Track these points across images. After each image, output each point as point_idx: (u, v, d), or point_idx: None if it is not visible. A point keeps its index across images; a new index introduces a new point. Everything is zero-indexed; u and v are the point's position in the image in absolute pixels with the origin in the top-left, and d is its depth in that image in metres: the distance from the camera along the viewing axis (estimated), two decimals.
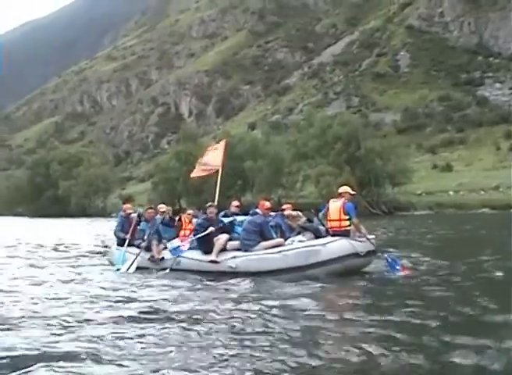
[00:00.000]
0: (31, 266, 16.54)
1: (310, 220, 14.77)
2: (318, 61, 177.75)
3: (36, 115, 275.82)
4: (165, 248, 15.67)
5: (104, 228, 40.77)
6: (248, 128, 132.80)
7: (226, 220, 14.98)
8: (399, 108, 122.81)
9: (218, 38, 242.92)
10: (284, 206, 15.42)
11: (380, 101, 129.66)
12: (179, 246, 14.71)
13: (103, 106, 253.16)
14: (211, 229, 14.12)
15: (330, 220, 13.82)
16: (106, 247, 19.93)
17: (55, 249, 22.92)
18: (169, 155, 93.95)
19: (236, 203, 15.93)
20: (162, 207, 17.37)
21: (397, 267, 13.10)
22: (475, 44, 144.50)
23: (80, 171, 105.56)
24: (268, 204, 14.66)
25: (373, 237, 14.08)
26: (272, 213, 15.03)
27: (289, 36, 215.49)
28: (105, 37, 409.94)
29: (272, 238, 13.77)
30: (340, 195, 14.15)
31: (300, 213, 15.17)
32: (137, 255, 15.52)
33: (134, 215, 17.15)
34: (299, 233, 14.22)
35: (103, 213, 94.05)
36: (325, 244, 13.05)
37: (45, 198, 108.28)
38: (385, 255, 13.56)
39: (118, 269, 15.49)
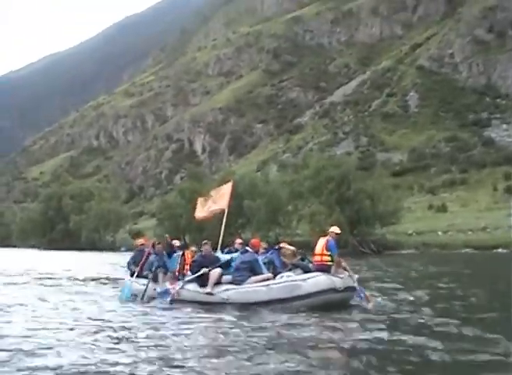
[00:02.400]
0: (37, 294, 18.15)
1: (303, 259, 16.38)
2: (330, 100, 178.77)
3: (52, 148, 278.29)
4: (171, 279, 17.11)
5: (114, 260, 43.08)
6: (258, 167, 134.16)
7: (223, 257, 16.62)
8: (406, 149, 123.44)
9: (234, 76, 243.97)
10: (281, 244, 16.97)
11: (388, 141, 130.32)
12: (167, 290, 16.08)
13: (119, 141, 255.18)
14: (203, 270, 15.50)
15: (315, 255, 15.25)
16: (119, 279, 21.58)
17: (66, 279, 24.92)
18: (175, 193, 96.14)
19: (239, 241, 17.38)
20: (177, 242, 18.97)
21: (362, 296, 14.57)
22: (483, 85, 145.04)
23: (91, 205, 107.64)
24: (258, 242, 16.54)
25: (356, 275, 15.36)
26: (263, 250, 16.68)
27: (302, 75, 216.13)
28: (124, 72, 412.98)
29: (262, 273, 15.27)
30: (328, 233, 15.58)
31: (294, 249, 16.68)
32: (146, 285, 17.02)
33: (146, 248, 18.69)
34: (290, 270, 15.58)
35: (112, 247, 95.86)
36: (306, 279, 14.46)
37: (57, 232, 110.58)
38: (358, 288, 14.70)
39: (125, 298, 17.11)
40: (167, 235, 19.61)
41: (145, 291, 16.95)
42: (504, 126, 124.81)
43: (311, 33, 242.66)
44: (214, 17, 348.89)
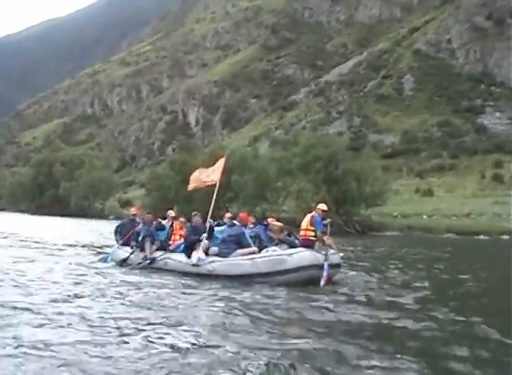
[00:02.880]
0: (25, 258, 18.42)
1: (289, 234, 16.73)
2: (325, 79, 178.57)
3: (46, 114, 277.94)
4: (157, 249, 17.66)
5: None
6: (250, 142, 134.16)
7: (217, 229, 17.02)
8: (399, 131, 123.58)
9: (231, 50, 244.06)
10: (269, 220, 17.42)
11: (381, 123, 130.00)
12: (154, 258, 16.93)
13: (113, 110, 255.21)
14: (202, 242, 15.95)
15: (300, 230, 15.64)
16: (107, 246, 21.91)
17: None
18: (165, 164, 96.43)
19: (228, 214, 17.58)
20: (171, 212, 19.29)
21: (324, 273, 14.42)
22: (479, 72, 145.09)
23: (82, 173, 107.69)
24: (246, 216, 16.95)
25: (337, 253, 15.85)
26: (252, 225, 17.02)
27: (299, 52, 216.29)
28: (124, 41, 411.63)
29: (249, 246, 15.52)
30: (315, 210, 15.97)
31: (281, 225, 17.06)
32: (130, 253, 17.87)
33: (138, 218, 19.77)
34: (276, 245, 15.96)
35: (101, 215, 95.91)
36: (290, 254, 14.66)
37: (46, 197, 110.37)
38: (324, 264, 14.60)
39: (103, 262, 18.03)
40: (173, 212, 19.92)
41: (127, 258, 17.71)
42: (497, 114, 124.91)
43: (310, 11, 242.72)
44: None
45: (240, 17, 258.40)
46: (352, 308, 11.18)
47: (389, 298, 12.51)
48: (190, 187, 20.31)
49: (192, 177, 20.30)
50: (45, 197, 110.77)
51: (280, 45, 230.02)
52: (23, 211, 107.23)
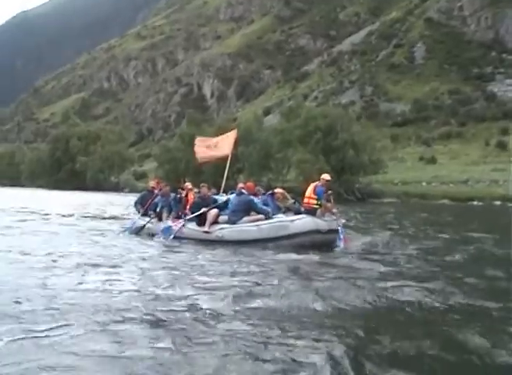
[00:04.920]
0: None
1: (295, 202, 17.51)
2: (338, 49, 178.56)
3: (64, 90, 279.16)
4: (174, 218, 18.16)
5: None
6: (264, 113, 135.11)
7: (221, 198, 17.81)
8: (410, 100, 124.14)
9: (245, 22, 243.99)
10: (276, 189, 18.28)
11: (392, 92, 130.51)
12: (170, 226, 17.17)
13: (129, 84, 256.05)
14: (203, 210, 16.69)
15: (304, 198, 16.25)
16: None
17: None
18: (175, 137, 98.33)
19: (241, 185, 17.59)
20: (189, 185, 19.50)
21: (341, 237, 15.46)
22: (491, 39, 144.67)
23: (97, 147, 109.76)
24: (253, 185, 18.25)
25: (339, 219, 16.29)
26: (260, 196, 17.91)
27: (312, 22, 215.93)
28: (139, 14, 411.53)
29: (262, 211, 16.26)
30: (319, 179, 16.48)
31: (288, 195, 17.93)
32: (147, 222, 18.66)
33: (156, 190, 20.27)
34: (284, 213, 16.94)
35: (116, 188, 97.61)
36: (292, 220, 15.49)
37: (63, 172, 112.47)
38: (339, 231, 15.62)
39: (125, 231, 18.81)
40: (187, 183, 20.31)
41: (142, 227, 18.59)
42: (508, 81, 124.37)
43: None
44: None
45: None
46: (348, 270, 11.68)
47: (377, 257, 13.38)
48: (201, 159, 21.23)
49: (198, 149, 21.00)
50: (62, 172, 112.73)
51: (293, 16, 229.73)
52: (41, 186, 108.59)
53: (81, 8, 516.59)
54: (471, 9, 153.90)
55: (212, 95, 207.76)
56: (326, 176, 16.54)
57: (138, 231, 18.65)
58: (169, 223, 17.81)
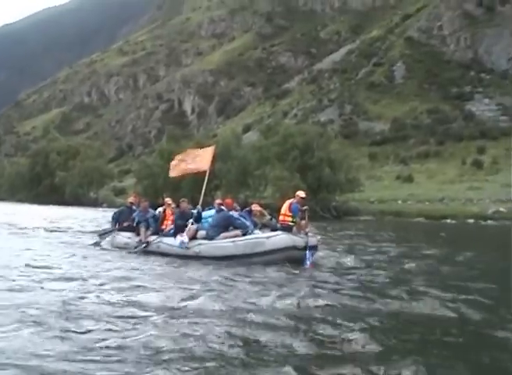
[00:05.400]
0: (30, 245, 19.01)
1: (271, 219, 17.90)
2: (319, 67, 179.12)
3: (45, 104, 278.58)
4: (152, 234, 18.68)
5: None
6: (244, 130, 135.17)
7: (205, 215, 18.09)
8: (389, 119, 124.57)
9: (226, 38, 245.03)
10: (253, 206, 18.45)
11: (372, 111, 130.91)
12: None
13: (110, 99, 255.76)
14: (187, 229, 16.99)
15: (280, 215, 16.74)
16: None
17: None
18: (155, 153, 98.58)
19: (218, 201, 18.00)
20: (169, 200, 20.19)
21: (308, 262, 15.16)
22: (470, 58, 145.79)
23: (76, 162, 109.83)
24: (231, 201, 18.38)
25: (315, 236, 16.87)
26: (236, 212, 17.97)
27: (293, 40, 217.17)
28: (122, 30, 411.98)
29: (242, 226, 16.59)
30: (294, 197, 16.86)
31: (265, 212, 18.34)
32: (128, 238, 19.17)
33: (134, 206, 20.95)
34: (260, 229, 17.29)
35: (95, 203, 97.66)
36: (269, 237, 15.78)
37: (43, 187, 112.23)
38: (307, 251, 15.45)
39: (96, 245, 19.34)
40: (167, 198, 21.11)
41: (125, 243, 19.03)
42: (486, 100, 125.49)
43: None
44: None
45: (235, 5, 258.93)
46: (324, 285, 11.98)
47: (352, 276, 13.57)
48: (173, 173, 21.15)
49: (174, 163, 21.11)
50: (42, 186, 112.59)
51: (275, 33, 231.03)
52: (21, 200, 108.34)
53: (64, 22, 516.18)
54: (450, 29, 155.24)
55: (193, 111, 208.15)
56: (301, 194, 16.99)
57: (120, 247, 18.89)
58: (150, 238, 18.36)
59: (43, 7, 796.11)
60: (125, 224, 20.28)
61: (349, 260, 16.32)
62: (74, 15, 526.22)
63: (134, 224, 19.53)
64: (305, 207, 16.71)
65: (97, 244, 19.80)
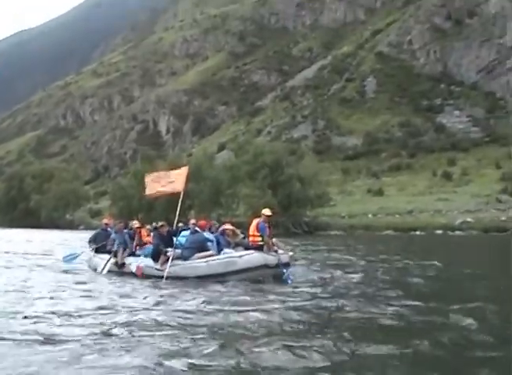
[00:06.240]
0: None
1: (244, 237, 18.03)
2: (291, 84, 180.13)
3: (19, 127, 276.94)
4: (129, 255, 19.08)
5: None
6: (218, 148, 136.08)
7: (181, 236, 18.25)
8: (361, 133, 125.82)
9: (200, 58, 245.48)
10: (226, 225, 18.78)
11: (344, 126, 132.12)
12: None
13: (85, 121, 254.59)
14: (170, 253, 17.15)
15: (249, 235, 17.03)
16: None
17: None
18: (129, 174, 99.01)
19: (192, 221, 18.32)
20: (136, 223, 20.68)
21: (289, 279, 15.64)
22: (439, 71, 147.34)
23: (51, 186, 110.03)
24: (205, 223, 18.87)
25: (287, 252, 17.32)
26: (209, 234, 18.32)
27: (266, 58, 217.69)
28: (95, 51, 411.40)
29: (209, 250, 16.89)
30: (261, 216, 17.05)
31: (238, 231, 18.73)
32: (108, 260, 19.15)
33: (109, 228, 21.42)
34: (233, 248, 17.35)
35: (71, 226, 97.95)
36: (241, 256, 16.09)
37: (18, 211, 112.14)
38: (284, 270, 15.97)
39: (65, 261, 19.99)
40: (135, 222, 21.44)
41: (106, 264, 19.01)
42: (456, 112, 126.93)
43: (276, 16, 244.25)
44: None
45: (208, 25, 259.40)
46: (298, 300, 12.50)
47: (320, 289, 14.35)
48: (149, 193, 21.14)
49: (148, 180, 21.10)
50: (17, 210, 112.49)
51: (247, 51, 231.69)
52: None
53: (36, 45, 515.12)
54: (420, 43, 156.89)
55: (168, 131, 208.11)
56: (267, 212, 17.19)
57: (102, 270, 19.00)
58: (126, 260, 18.87)
59: (15, 30, 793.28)
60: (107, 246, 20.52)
61: (319, 274, 17.09)
62: (46, 37, 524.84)
63: (114, 246, 19.65)
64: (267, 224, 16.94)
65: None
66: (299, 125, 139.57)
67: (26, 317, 10.30)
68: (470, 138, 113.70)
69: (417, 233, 56.42)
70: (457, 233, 54.87)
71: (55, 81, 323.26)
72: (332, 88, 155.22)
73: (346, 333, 8.77)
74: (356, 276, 16.50)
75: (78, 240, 38.53)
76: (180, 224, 19.21)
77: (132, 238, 19.93)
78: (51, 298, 12.85)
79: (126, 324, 9.71)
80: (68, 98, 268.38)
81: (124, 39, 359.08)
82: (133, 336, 8.83)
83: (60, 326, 9.60)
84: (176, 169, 22.23)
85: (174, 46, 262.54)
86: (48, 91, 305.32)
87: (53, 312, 10.73)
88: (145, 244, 19.84)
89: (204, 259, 16.50)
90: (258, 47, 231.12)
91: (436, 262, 20.51)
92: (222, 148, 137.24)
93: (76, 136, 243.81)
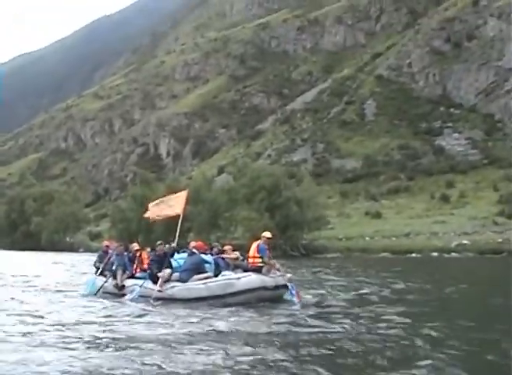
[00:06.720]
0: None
1: (243, 260, 18.37)
2: (291, 107, 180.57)
3: (21, 150, 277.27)
4: (129, 277, 19.44)
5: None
6: (219, 171, 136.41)
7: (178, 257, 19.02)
8: (361, 156, 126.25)
9: (200, 81, 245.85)
10: (225, 247, 19.61)
11: (344, 149, 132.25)
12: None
13: (86, 144, 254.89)
14: (160, 275, 17.65)
15: (248, 257, 17.39)
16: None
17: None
18: (128, 197, 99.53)
19: (193, 244, 18.93)
20: (136, 246, 20.89)
21: (293, 293, 16.45)
22: (439, 94, 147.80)
23: (52, 208, 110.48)
24: (202, 244, 19.27)
25: (285, 274, 17.45)
26: (207, 256, 18.71)
27: (266, 81, 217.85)
28: (97, 74, 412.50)
29: (206, 272, 17.33)
30: (261, 238, 17.52)
31: (237, 253, 19.10)
32: (104, 282, 19.64)
33: (110, 250, 21.53)
34: (233, 270, 17.79)
35: (71, 248, 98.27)
36: (239, 278, 16.43)
37: (19, 233, 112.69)
38: (290, 286, 16.69)
39: (88, 293, 19.59)
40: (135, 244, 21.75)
41: (100, 287, 19.52)
42: (455, 135, 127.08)
43: (277, 40, 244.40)
44: (185, 20, 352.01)
45: (208, 48, 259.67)
46: (295, 321, 13.08)
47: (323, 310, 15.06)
48: (150, 216, 21.99)
49: (151, 206, 21.79)
50: (18, 233, 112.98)
51: (248, 75, 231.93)
52: None
53: (38, 67, 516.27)
54: (419, 66, 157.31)
55: (168, 154, 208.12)
56: (267, 234, 17.75)
57: (96, 292, 19.51)
58: (126, 282, 19.25)
59: (17, 53, 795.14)
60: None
61: (317, 295, 17.78)
62: (48, 60, 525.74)
63: (113, 268, 19.89)
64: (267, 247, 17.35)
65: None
66: (298, 148, 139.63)
67: None
68: (468, 161, 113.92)
69: (414, 255, 56.85)
70: (453, 255, 55.38)
71: (57, 104, 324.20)
72: (331, 111, 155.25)
73: (340, 356, 9.25)
74: (346, 297, 17.16)
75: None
76: (174, 245, 19.58)
77: (131, 261, 20.13)
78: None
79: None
80: (69, 121, 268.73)
81: (125, 62, 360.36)
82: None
83: None
84: (175, 192, 23.15)
85: (175, 69, 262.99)
86: (50, 113, 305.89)
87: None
88: (146, 266, 19.76)
89: (203, 281, 16.85)
90: (259, 70, 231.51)
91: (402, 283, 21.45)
92: (221, 171, 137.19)
93: (76, 158, 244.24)
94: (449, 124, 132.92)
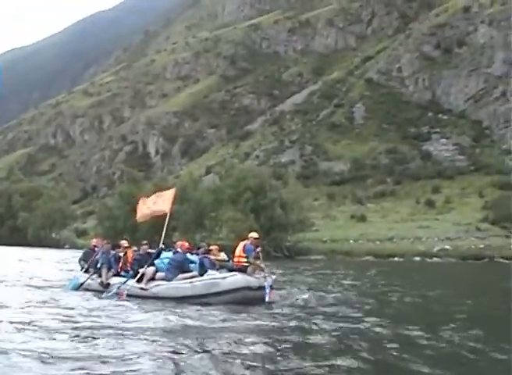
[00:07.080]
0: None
1: (229, 260, 18.58)
2: (281, 109, 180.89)
3: (10, 145, 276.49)
4: (114, 275, 19.31)
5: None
6: (207, 171, 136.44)
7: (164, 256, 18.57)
8: (348, 159, 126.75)
9: (191, 80, 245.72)
10: (211, 247, 19.66)
11: (332, 151, 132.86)
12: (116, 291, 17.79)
13: (75, 140, 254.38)
14: (141, 271, 17.78)
15: (234, 256, 17.46)
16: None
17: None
18: (115, 195, 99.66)
19: (180, 243, 18.80)
20: (125, 243, 20.75)
21: (267, 291, 16.34)
22: (428, 99, 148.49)
23: (39, 204, 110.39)
24: (185, 244, 18.78)
25: (269, 275, 17.61)
26: (193, 256, 18.69)
27: (256, 82, 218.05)
28: (88, 71, 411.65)
29: (190, 271, 17.22)
30: (247, 238, 17.60)
31: (223, 254, 19.24)
32: (86, 279, 19.73)
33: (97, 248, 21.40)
34: (218, 270, 17.67)
35: (57, 245, 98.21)
36: (224, 277, 16.45)
37: (5, 228, 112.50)
38: (266, 290, 16.43)
39: (70, 288, 19.60)
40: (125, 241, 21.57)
41: (82, 283, 19.60)
42: (443, 140, 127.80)
43: (267, 41, 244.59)
44: (177, 20, 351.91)
45: (199, 48, 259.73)
46: (281, 319, 13.32)
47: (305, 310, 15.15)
48: (139, 217, 21.97)
49: (139, 207, 21.87)
50: (4, 227, 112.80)
51: (238, 75, 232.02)
52: None
53: (28, 63, 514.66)
54: (409, 71, 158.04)
55: (157, 153, 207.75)
56: (254, 235, 17.88)
57: (78, 287, 19.59)
58: (111, 280, 19.11)
59: (8, 48, 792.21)
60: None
61: (300, 296, 17.57)
62: (39, 56, 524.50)
63: (98, 265, 19.96)
64: (258, 249, 17.50)
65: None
66: (287, 150, 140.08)
67: None
68: (455, 166, 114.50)
69: (396, 259, 57.31)
70: (435, 260, 55.90)
71: (47, 100, 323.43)
72: (321, 114, 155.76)
73: (321, 352, 9.44)
74: (328, 298, 17.37)
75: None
76: (162, 245, 19.27)
77: (117, 259, 20.07)
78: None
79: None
80: (58, 117, 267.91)
81: (116, 60, 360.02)
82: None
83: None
84: (162, 191, 22.78)
85: (165, 68, 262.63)
86: (40, 109, 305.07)
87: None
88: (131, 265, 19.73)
89: (188, 280, 16.91)
90: (249, 71, 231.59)
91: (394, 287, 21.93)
92: (209, 170, 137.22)
93: (65, 155, 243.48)
94: (438, 130, 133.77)
